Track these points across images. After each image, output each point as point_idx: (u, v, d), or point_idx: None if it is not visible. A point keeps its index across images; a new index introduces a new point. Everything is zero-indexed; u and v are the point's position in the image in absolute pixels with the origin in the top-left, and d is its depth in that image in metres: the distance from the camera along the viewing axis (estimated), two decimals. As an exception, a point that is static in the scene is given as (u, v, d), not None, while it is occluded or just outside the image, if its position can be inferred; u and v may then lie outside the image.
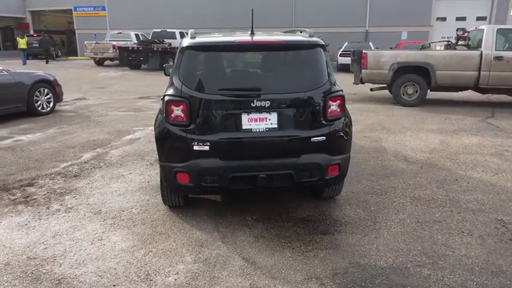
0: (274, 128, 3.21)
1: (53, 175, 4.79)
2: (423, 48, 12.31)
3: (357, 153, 5.64)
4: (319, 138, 3.24)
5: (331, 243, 3.20)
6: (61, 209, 3.86)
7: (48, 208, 3.88)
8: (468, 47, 10.02)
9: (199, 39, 3.39)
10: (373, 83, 10.13)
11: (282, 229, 3.45)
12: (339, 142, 3.41)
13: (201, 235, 3.34)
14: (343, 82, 5.21)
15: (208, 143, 3.14)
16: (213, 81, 3.30)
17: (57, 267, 2.87)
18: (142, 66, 20.64)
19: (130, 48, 20.41)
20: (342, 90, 3.42)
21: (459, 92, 10.07)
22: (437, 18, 25.95)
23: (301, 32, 4.00)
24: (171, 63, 21.80)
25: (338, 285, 2.67)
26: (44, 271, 2.82)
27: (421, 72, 9.40)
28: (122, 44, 21.50)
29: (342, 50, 19.90)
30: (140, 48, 20.18)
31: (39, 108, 8.33)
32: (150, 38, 23.13)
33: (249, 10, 4.28)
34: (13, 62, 23.16)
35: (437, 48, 13.11)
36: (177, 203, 3.73)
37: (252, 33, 3.59)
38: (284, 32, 4.77)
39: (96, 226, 3.50)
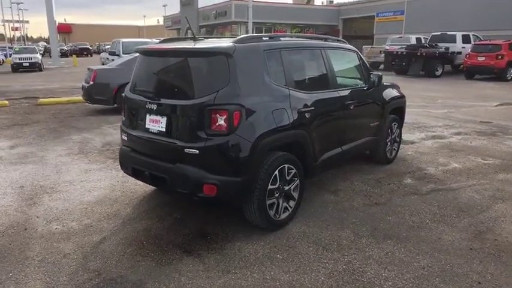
0: (162, 131, 3.29)
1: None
2: None
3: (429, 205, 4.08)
4: (192, 150, 3.04)
5: (169, 260, 2.99)
6: (118, 168, 5.23)
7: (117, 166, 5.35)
8: None
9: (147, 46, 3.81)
10: None
11: (182, 235, 3.41)
12: (218, 160, 3.05)
13: (132, 212, 3.85)
14: None
15: (126, 135, 3.62)
16: (136, 82, 3.67)
17: (47, 197, 4.23)
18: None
19: (394, 53, 19.93)
20: (238, 105, 2.98)
21: None
22: None
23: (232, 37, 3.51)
24: (439, 71, 19.09)
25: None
26: (38, 196, 4.25)
27: None
28: (391, 48, 21.27)
29: None
30: (404, 53, 19.33)
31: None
32: (427, 41, 21.59)
33: None
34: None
35: None
36: None
37: (195, 39, 3.66)
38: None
39: (108, 183, 4.64)
